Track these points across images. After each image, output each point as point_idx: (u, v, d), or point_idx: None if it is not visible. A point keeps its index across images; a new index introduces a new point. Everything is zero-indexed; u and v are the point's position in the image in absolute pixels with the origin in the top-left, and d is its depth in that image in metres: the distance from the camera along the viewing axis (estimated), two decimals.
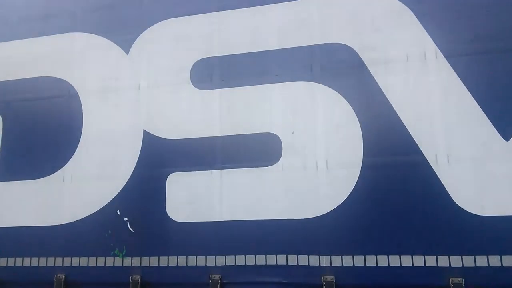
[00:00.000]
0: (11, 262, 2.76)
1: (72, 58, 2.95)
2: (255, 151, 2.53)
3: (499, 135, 2.23)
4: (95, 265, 2.61)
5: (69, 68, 2.93)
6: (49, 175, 2.82)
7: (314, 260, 2.34)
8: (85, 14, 2.99)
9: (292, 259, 2.36)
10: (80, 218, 2.68)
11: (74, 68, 2.92)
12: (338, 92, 2.46)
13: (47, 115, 2.91)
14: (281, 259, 2.37)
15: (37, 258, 2.72)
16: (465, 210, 2.20)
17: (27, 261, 2.73)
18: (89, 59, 2.92)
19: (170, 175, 2.61)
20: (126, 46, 2.86)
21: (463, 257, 2.17)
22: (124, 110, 2.77)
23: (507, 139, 2.22)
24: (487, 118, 2.25)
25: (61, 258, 2.68)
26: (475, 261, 2.15)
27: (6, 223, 2.84)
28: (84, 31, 2.95)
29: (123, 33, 2.87)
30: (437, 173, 2.26)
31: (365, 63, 2.46)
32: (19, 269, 2.73)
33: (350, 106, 2.44)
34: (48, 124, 2.89)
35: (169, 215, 2.56)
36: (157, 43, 2.81)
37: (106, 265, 2.59)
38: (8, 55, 3.10)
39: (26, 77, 3.01)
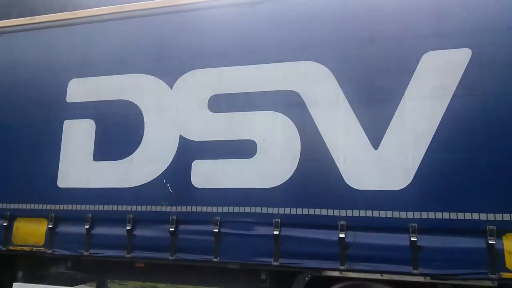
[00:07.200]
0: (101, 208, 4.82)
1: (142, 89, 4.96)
2: (241, 148, 4.46)
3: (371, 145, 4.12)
4: (150, 210, 4.63)
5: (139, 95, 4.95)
6: (124, 158, 4.85)
7: None
8: (147, 62, 4.98)
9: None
10: (143, 183, 4.70)
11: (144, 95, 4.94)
12: (289, 118, 4.38)
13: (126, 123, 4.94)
14: None
15: (115, 205, 4.76)
16: (350, 186, 4.09)
17: (111, 207, 4.78)
18: (148, 90, 4.93)
19: (194, 161, 4.58)
20: (171, 83, 4.85)
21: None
22: (169, 121, 4.77)
23: (376, 148, 4.10)
24: (366, 137, 4.13)
25: (130, 206, 4.70)
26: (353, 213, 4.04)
27: (100, 185, 4.90)
28: (144, 73, 4.95)
29: (170, 75, 4.86)
30: (337, 166, 4.16)
31: (305, 103, 4.37)
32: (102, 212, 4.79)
33: (295, 126, 4.35)
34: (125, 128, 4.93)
35: (193, 183, 4.53)
36: (189, 83, 4.78)
37: (157, 210, 4.61)
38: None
39: (111, 99, 5.05)
